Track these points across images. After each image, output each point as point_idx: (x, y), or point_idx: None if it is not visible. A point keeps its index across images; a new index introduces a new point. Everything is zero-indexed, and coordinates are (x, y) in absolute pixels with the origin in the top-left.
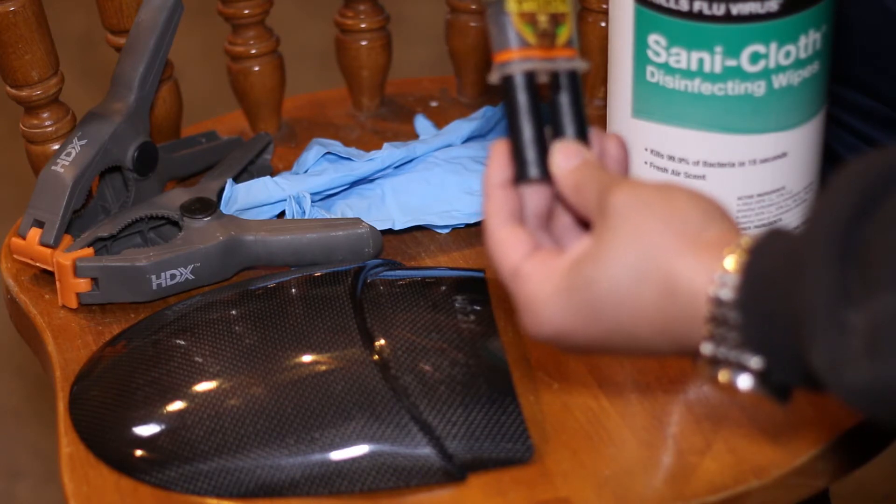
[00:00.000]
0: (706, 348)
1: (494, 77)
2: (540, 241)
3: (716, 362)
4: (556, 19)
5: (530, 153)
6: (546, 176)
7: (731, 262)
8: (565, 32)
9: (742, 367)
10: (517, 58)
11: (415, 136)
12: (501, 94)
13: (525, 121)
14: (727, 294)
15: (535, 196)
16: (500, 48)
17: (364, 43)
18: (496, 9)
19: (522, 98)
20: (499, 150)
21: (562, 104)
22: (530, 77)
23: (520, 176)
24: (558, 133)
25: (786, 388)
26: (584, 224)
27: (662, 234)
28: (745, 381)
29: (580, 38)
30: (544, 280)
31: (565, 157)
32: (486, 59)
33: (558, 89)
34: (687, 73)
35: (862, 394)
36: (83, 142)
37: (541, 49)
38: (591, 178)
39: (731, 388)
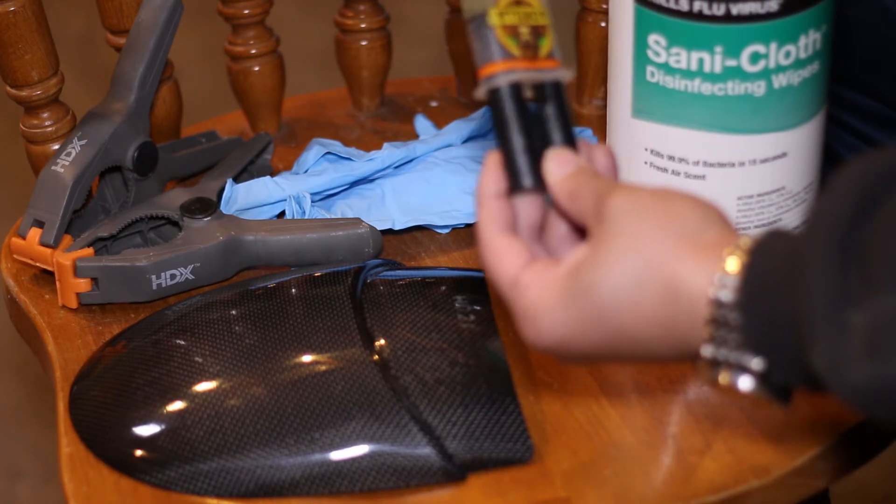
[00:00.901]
0: (707, 350)
1: (481, 91)
2: (535, 251)
3: (716, 364)
4: (537, 31)
5: (522, 163)
6: (540, 185)
7: (730, 264)
8: (547, 44)
9: (743, 369)
10: (502, 70)
11: (415, 136)
12: (489, 107)
13: (515, 132)
14: (727, 295)
15: (528, 208)
16: (485, 62)
17: (364, 43)
18: (478, 23)
19: (510, 109)
20: (491, 161)
21: (548, 115)
22: (516, 88)
23: (513, 186)
24: (546, 144)
25: (787, 389)
26: (580, 233)
27: (661, 239)
28: (745, 383)
29: (580, 39)
30: (543, 288)
31: (559, 164)
32: None
33: (544, 100)
34: (687, 73)
35: (862, 394)
36: (83, 142)
37: (525, 60)
38: (586, 184)
39: (731, 390)
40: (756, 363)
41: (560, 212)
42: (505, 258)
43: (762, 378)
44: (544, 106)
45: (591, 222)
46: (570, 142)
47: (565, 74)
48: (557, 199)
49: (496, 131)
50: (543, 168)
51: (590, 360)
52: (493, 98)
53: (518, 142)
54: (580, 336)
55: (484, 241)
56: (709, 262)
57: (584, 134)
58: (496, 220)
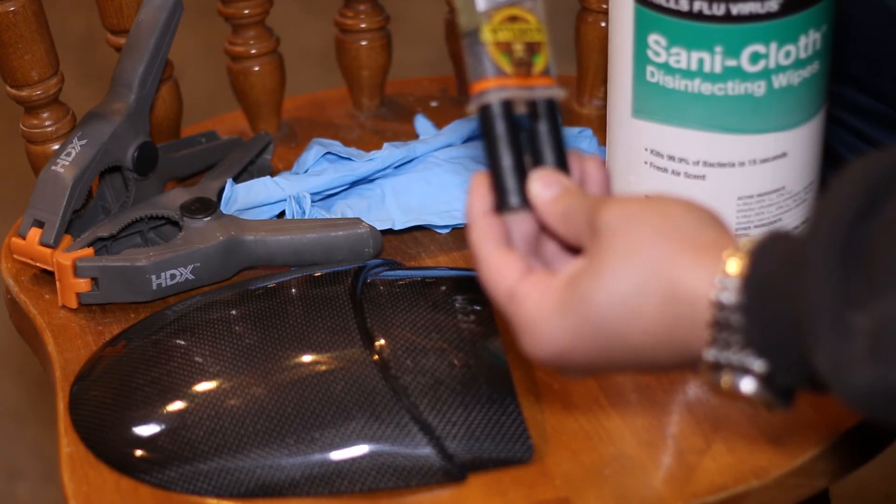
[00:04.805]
0: (709, 354)
1: (472, 107)
2: (532, 264)
3: (718, 367)
4: (532, 48)
5: (510, 182)
6: (527, 204)
7: (731, 265)
8: (542, 61)
9: (745, 371)
10: (494, 87)
11: (415, 136)
12: (479, 123)
13: (504, 150)
14: (728, 297)
15: (520, 222)
16: (477, 78)
17: (364, 43)
18: (472, 39)
19: (500, 127)
20: (479, 181)
21: (540, 132)
22: (508, 106)
23: (500, 206)
24: (537, 161)
25: (789, 391)
26: (572, 250)
27: (657, 243)
28: (748, 385)
29: (580, 39)
30: (541, 299)
31: (545, 185)
32: None
33: (536, 118)
34: (687, 73)
35: (865, 396)
36: (83, 142)
37: (517, 78)
38: (575, 203)
39: (733, 392)
40: (759, 365)
41: (550, 233)
42: (501, 272)
43: (765, 380)
44: (536, 123)
45: (585, 239)
46: (562, 160)
47: (558, 93)
48: (548, 221)
49: (484, 148)
50: (529, 190)
51: (591, 371)
52: (484, 115)
53: (506, 161)
54: (580, 346)
55: (479, 258)
56: (708, 264)
57: (585, 133)
58: (488, 235)
